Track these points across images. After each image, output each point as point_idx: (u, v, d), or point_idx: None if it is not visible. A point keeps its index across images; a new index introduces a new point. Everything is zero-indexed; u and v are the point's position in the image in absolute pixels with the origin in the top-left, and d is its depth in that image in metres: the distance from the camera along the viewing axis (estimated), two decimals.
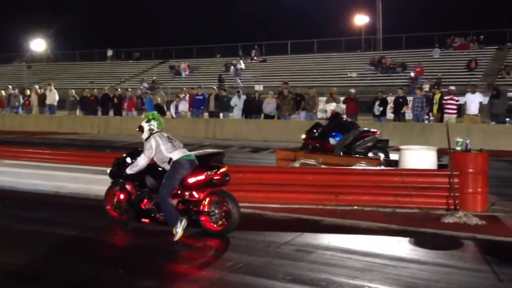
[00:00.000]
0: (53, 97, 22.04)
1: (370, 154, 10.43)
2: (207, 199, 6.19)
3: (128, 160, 6.71)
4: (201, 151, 7.62)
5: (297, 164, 9.05)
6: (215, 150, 7.96)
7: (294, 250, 5.78)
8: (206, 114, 20.06)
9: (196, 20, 49.50)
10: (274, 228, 6.79)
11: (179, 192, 6.24)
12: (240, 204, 7.08)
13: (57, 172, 10.29)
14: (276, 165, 10.32)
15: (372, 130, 10.97)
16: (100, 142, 16.87)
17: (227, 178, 6.32)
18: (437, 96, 16.23)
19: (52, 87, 22.38)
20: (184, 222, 5.98)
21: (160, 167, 6.37)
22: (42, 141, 16.45)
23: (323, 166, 8.90)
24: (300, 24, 43.68)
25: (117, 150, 13.82)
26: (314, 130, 11.03)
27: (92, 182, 9.37)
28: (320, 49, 37.35)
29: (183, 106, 19.71)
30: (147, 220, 6.50)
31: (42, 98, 22.31)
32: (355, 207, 7.57)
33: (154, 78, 35.58)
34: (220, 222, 6.17)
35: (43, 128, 20.43)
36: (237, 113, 18.86)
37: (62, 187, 9.11)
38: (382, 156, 10.31)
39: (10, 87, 25.07)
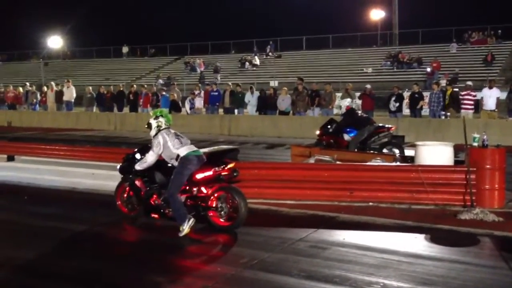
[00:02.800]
0: (70, 93, 22.28)
1: (385, 150, 10.36)
2: (215, 195, 6.22)
3: (138, 156, 6.78)
4: (215, 147, 7.66)
5: (312, 160, 9.04)
6: (230, 147, 7.99)
7: (309, 247, 5.78)
8: (221, 110, 20.12)
9: (211, 16, 49.55)
10: (289, 224, 6.79)
11: (187, 188, 6.29)
12: (255, 201, 7.13)
13: (74, 168, 10.45)
14: (291, 161, 10.32)
15: (387, 126, 10.89)
16: (116, 139, 17.01)
17: (235, 174, 6.38)
18: (449, 92, 16.10)
19: (70, 84, 22.62)
20: (191, 221, 6.07)
21: (169, 163, 6.43)
22: (59, 138, 16.66)
23: (338, 162, 8.88)
24: (315, 19, 43.45)
25: (132, 146, 13.91)
26: (329, 126, 10.98)
27: (108, 178, 9.47)
28: (336, 45, 37.14)
29: (198, 102, 19.80)
30: (156, 216, 6.58)
31: (59, 95, 22.57)
32: (370, 204, 7.54)
33: (169, 75, 35.75)
34: (228, 218, 6.21)
35: (60, 124, 20.69)
36: (251, 109, 18.89)
37: (79, 183, 9.23)
38: (397, 152, 10.24)
39: (27, 84, 25.40)
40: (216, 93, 19.78)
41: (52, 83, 24.51)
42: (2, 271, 5.24)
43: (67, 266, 5.37)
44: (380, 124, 10.97)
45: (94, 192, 8.76)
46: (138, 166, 6.58)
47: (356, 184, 7.77)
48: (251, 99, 18.68)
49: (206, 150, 7.30)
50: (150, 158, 6.42)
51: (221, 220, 6.23)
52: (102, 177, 9.53)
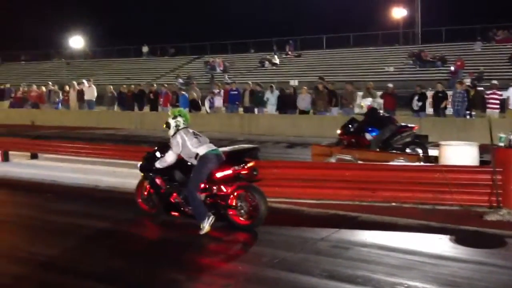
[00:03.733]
0: (91, 93, 22.57)
1: (408, 150, 10.26)
2: (235, 194, 6.23)
3: (158, 154, 6.85)
4: (236, 146, 7.68)
5: (333, 160, 9.00)
6: (250, 145, 7.99)
7: (330, 246, 5.76)
8: (241, 110, 20.16)
9: (231, 15, 49.64)
10: (310, 224, 6.77)
11: (207, 186, 6.32)
12: (276, 200, 7.13)
13: (96, 166, 10.60)
14: (311, 160, 10.28)
15: (410, 125, 10.79)
16: (136, 137, 17.17)
17: (254, 173, 6.42)
18: (472, 92, 15.88)
19: (91, 83, 22.91)
20: (211, 219, 6.13)
21: (188, 162, 6.49)
22: (81, 136, 16.88)
23: (359, 162, 8.82)
24: (335, 18, 43.15)
25: (152, 144, 14.05)
26: (350, 126, 10.92)
27: (129, 176, 9.58)
28: (357, 43, 36.84)
29: (218, 102, 19.87)
30: (176, 214, 6.67)
31: (81, 94, 22.88)
32: (393, 204, 7.46)
33: (189, 74, 35.93)
34: (247, 216, 6.23)
35: (81, 123, 20.96)
36: (270, 108, 18.87)
37: (101, 181, 9.35)
38: (420, 151, 10.13)
39: (50, 83, 25.82)
40: (236, 92, 19.82)
41: (74, 82, 24.85)
42: (24, 267, 5.36)
43: (87, 263, 5.45)
44: (403, 124, 10.88)
45: (115, 190, 8.86)
46: (158, 164, 6.68)
47: (379, 184, 7.68)
48: (271, 98, 18.67)
49: (226, 149, 7.32)
50: (170, 157, 6.54)
51: (241, 218, 6.27)
52: (123, 175, 9.65)
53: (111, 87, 23.14)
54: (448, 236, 6.06)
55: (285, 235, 6.23)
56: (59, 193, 8.92)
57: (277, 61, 35.81)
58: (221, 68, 36.09)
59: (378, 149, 10.21)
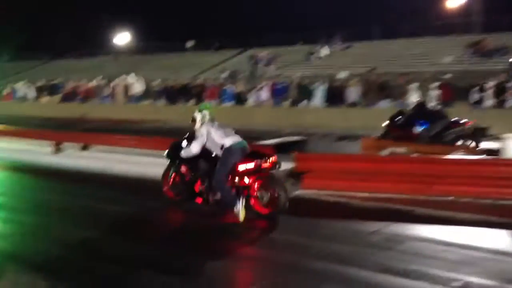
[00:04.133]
0: (138, 87, 23.13)
1: (459, 143, 9.99)
2: (256, 184, 6.50)
3: (184, 143, 7.12)
4: (283, 138, 7.69)
5: (386, 153, 8.84)
6: (297, 137, 7.99)
7: (383, 240, 5.64)
8: (288, 102, 20.11)
9: (277, 8, 49.52)
10: (361, 217, 6.68)
11: (230, 177, 6.56)
12: (326, 193, 7.08)
13: (143, 157, 10.86)
14: (361, 153, 10.14)
15: (462, 120, 10.47)
16: (181, 130, 17.43)
17: (277, 167, 6.69)
18: None
19: (137, 78, 23.49)
20: (242, 200, 6.40)
21: (213, 153, 6.77)
22: (128, 129, 17.33)
23: (415, 154, 8.63)
24: (387, 7, 42.22)
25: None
26: (398, 118, 10.78)
27: None
28: (410, 33, 35.91)
29: (265, 95, 19.91)
30: (199, 201, 6.93)
31: (127, 88, 23.50)
32: (450, 198, 7.25)
33: (234, 67, 36.15)
34: (268, 205, 6.44)
35: (129, 116, 21.51)
36: (318, 101, 18.73)
37: (147, 172, 9.56)
38: (473, 144, 9.83)
39: (98, 78, 26.65)
40: (282, 85, 19.80)
41: (121, 77, 25.55)
42: (74, 252, 5.56)
43: (137, 250, 5.58)
44: (455, 118, 10.58)
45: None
46: (183, 153, 6.99)
47: (435, 177, 7.48)
48: (318, 90, 18.54)
49: (272, 141, 7.34)
50: (195, 148, 6.81)
51: (262, 207, 6.48)
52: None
53: (157, 81, 23.64)
54: (510, 231, 5.83)
55: (334, 228, 6.18)
56: (107, 183, 9.20)
57: (325, 53, 35.46)
58: (267, 61, 36.10)
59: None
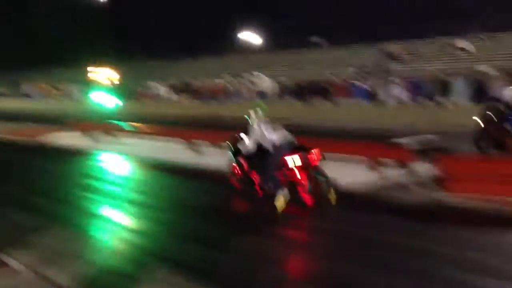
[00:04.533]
0: (266, 85, 23.71)
1: None
2: (302, 175, 7.29)
3: (242, 135, 8.04)
4: (420, 136, 7.45)
5: None
6: (436, 136, 7.71)
7: None
8: (424, 99, 19.25)
9: None
10: None
11: (279, 167, 7.40)
12: (471, 197, 6.71)
13: None
14: None
15: None
16: (309, 129, 17.50)
17: (320, 157, 7.37)
18: None
19: (265, 76, 24.09)
20: (286, 191, 7.21)
21: (266, 147, 7.67)
22: None
23: None
24: None
25: (326, 136, 14.25)
26: (489, 114, 10.53)
27: None
28: None
29: (398, 91, 19.28)
30: (257, 190, 7.77)
31: (255, 86, 24.21)
32: None
33: (365, 63, 35.42)
34: (312, 194, 7.23)
35: None
36: (459, 97, 17.66)
37: None
38: None
39: (226, 76, 27.79)
40: (417, 81, 19.01)
41: (250, 75, 26.35)
42: (207, 249, 5.89)
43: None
44: None
45: None
46: (242, 148, 8.02)
47: None
48: (458, 86, 17.49)
49: (408, 139, 7.31)
50: (249, 144, 7.89)
51: (307, 195, 7.25)
52: None
53: (285, 79, 24.01)
54: None
55: (490, 239, 5.83)
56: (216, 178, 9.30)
57: (464, 44, 33.28)
58: (399, 56, 34.84)
59: None
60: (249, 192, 8.00)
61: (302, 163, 7.30)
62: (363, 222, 6.73)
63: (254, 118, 7.94)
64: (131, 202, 8.41)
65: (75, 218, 7.41)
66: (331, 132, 15.70)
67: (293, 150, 7.43)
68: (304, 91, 22.42)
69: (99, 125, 17.41)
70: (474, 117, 11.29)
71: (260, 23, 48.74)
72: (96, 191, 9.20)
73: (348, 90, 20.75)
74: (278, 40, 48.72)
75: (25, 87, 40.62)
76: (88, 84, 36.20)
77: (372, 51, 39.27)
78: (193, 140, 12.92)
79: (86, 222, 7.27)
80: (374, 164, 9.23)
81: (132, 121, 17.37)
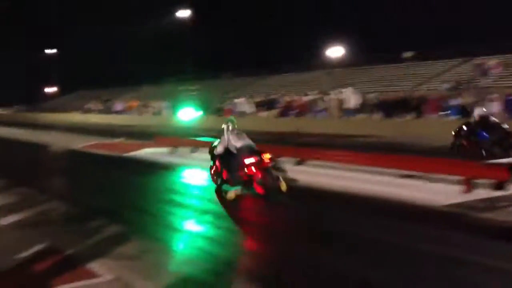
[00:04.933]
0: (352, 101, 23.50)
1: None
2: (257, 171, 9.41)
3: (216, 142, 10.45)
4: None
5: None
6: None
7: None
8: None
9: (505, 10, 45.11)
10: None
11: (240, 167, 9.49)
12: None
13: (359, 174, 10.96)
14: None
15: None
16: (399, 146, 17.10)
17: (273, 162, 9.61)
18: None
19: (351, 91, 23.88)
20: (238, 187, 9.55)
21: (232, 152, 9.75)
22: (343, 144, 17.69)
23: None
24: None
25: (416, 153, 13.83)
26: (463, 129, 12.99)
27: (390, 184, 9.64)
28: None
29: (495, 107, 18.33)
30: (229, 185, 9.74)
31: (341, 102, 24.05)
32: None
33: (459, 78, 34.02)
34: (265, 188, 9.32)
35: (343, 131, 21.94)
36: None
37: (363, 188, 9.61)
38: None
39: (312, 92, 27.87)
40: None
41: (335, 91, 26.27)
42: (288, 267, 5.93)
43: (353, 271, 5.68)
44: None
45: (377, 198, 9.00)
46: (215, 152, 10.27)
47: None
48: None
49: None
50: (219, 148, 10.17)
51: (259, 187, 9.37)
52: (384, 184, 9.75)
53: (372, 94, 23.67)
54: None
55: None
56: (323, 198, 9.51)
57: None
58: (496, 71, 33.08)
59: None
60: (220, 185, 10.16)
61: (256, 162, 9.44)
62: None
63: (226, 129, 10.07)
64: (210, 213, 8.69)
65: (157, 230, 7.77)
66: (422, 149, 15.28)
67: (251, 153, 9.59)
68: (392, 107, 21.93)
69: (185, 140, 18.08)
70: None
71: (348, 37, 48.46)
72: (178, 204, 9.59)
73: (441, 106, 20.00)
74: (366, 55, 48.18)
75: (117, 104, 43.09)
76: (176, 101, 37.74)
77: (467, 66, 37.66)
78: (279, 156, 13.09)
79: (166, 233, 7.61)
80: (467, 183, 8.88)
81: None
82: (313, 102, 25.97)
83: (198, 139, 17.47)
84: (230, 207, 9.09)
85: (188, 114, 32.81)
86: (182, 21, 43.69)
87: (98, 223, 8.20)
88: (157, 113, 37.95)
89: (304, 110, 26.34)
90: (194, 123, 31.21)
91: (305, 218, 8.16)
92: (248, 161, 9.45)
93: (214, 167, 10.45)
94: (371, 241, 6.71)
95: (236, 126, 10.18)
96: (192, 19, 43.90)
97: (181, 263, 6.23)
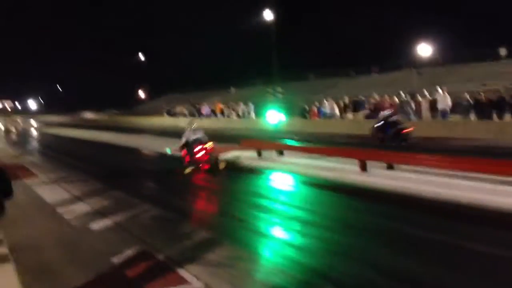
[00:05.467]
0: (444, 101, 22.44)
1: None
2: (203, 155, 14.15)
3: (182, 135, 14.87)
4: None
5: None
6: None
7: None
8: None
9: None
10: None
11: (194, 152, 14.26)
12: None
13: (454, 179, 10.40)
14: None
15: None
16: (496, 149, 16.09)
17: (213, 148, 14.40)
18: None
19: (444, 91, 22.81)
20: (192, 166, 14.23)
21: (189, 141, 14.46)
22: (435, 147, 16.94)
23: None
24: None
25: None
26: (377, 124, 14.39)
27: (491, 192, 9.06)
28: None
29: None
30: (187, 163, 14.49)
31: (433, 103, 23.03)
32: None
33: None
34: (208, 166, 14.05)
35: (434, 133, 21.00)
36: None
37: (461, 196, 9.10)
38: None
39: (401, 93, 26.93)
40: None
41: (425, 91, 25.23)
42: (374, 273, 5.75)
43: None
44: None
45: (478, 207, 8.47)
46: (180, 143, 14.82)
47: None
48: None
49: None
50: (182, 140, 14.74)
51: (204, 165, 14.11)
52: (485, 191, 9.17)
53: (466, 94, 22.48)
54: None
55: None
56: (415, 205, 9.12)
57: None
58: None
59: None
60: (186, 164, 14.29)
61: (201, 150, 14.13)
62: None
63: (187, 127, 15.00)
64: (297, 220, 8.61)
65: (245, 235, 7.79)
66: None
67: (199, 143, 14.25)
68: (489, 107, 20.68)
69: (272, 143, 18.12)
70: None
71: (438, 35, 46.54)
72: (265, 209, 9.57)
73: None
74: (457, 53, 45.98)
75: (204, 107, 44.16)
76: (262, 103, 38.04)
77: None
78: (365, 160, 12.74)
79: (254, 239, 7.60)
80: None
81: (303, 140, 17.77)
82: (402, 103, 25.06)
83: (284, 142, 17.43)
84: (318, 214, 8.96)
85: (274, 117, 32.91)
86: (268, 22, 44.02)
87: (188, 227, 8.40)
88: (243, 115, 38.44)
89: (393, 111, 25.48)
90: (280, 126, 31.26)
91: (404, 228, 7.84)
92: (196, 149, 14.18)
93: (182, 152, 14.85)
94: (483, 255, 6.32)
95: (194, 126, 14.96)
96: (278, 20, 44.12)
97: (270, 272, 6.18)
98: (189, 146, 14.32)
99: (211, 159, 14.10)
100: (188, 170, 14.00)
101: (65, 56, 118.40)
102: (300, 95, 40.55)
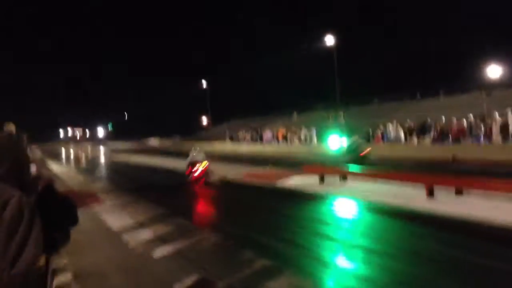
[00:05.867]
0: None
1: None
2: (201, 171, 17.96)
3: (188, 156, 18.85)
4: None
5: None
6: None
7: None
8: None
9: None
10: None
11: (193, 171, 18.14)
12: None
13: None
14: None
15: None
16: None
17: (209, 168, 18.22)
18: None
19: None
20: (190, 179, 18.30)
21: (192, 161, 18.35)
22: (508, 172, 16.11)
23: None
24: None
25: None
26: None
27: None
28: None
29: None
30: (192, 178, 18.17)
31: (504, 125, 22.00)
32: None
33: None
34: (207, 181, 17.80)
35: (508, 158, 20.02)
36: None
37: None
38: None
39: (470, 115, 25.95)
40: None
41: (496, 113, 24.19)
42: None
43: None
44: None
45: None
46: (186, 162, 18.66)
47: None
48: None
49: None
50: (187, 161, 18.65)
51: (201, 180, 17.80)
52: None
53: None
54: None
55: None
56: (486, 233, 8.63)
57: None
58: None
59: None
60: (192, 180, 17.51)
61: (197, 169, 17.80)
62: None
63: (193, 150, 18.66)
64: (361, 248, 8.34)
65: (307, 264, 7.60)
66: None
67: (196, 163, 17.88)
68: None
69: (333, 169, 17.88)
70: None
71: (509, 56, 44.75)
72: (327, 237, 9.35)
73: None
74: None
75: (266, 133, 44.36)
76: (324, 128, 37.79)
77: None
78: (433, 186, 12.27)
79: (316, 268, 7.40)
80: None
81: (366, 165, 17.41)
82: (472, 126, 24.11)
83: (346, 168, 17.13)
84: (382, 242, 8.64)
85: (336, 142, 32.55)
86: (329, 47, 43.95)
87: (248, 255, 8.30)
88: (305, 140, 38.28)
89: (461, 135, 24.58)
90: (342, 151, 30.86)
91: (472, 258, 7.41)
92: (196, 166, 17.98)
93: (188, 171, 18.41)
94: None
95: (197, 149, 18.98)
96: (338, 44, 43.98)
97: None
98: (191, 165, 18.28)
99: (207, 176, 18.08)
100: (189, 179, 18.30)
101: (133, 82, 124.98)
102: (364, 120, 39.95)
